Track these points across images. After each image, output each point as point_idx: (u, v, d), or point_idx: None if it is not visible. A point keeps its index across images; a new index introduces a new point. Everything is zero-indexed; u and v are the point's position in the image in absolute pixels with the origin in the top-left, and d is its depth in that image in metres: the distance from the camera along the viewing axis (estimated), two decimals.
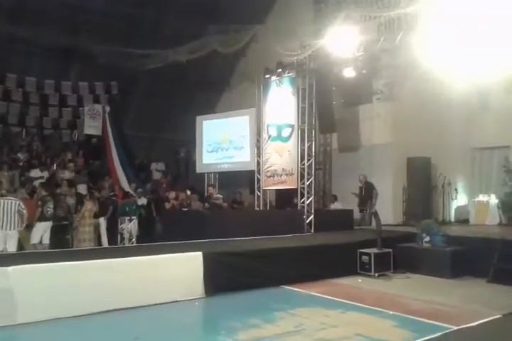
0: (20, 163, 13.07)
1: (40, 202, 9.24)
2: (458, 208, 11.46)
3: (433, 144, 10.95)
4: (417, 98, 10.87)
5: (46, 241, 9.04)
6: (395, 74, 11.13)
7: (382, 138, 11.41)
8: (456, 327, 4.08)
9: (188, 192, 12.72)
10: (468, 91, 10.23)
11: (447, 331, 3.77)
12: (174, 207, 11.81)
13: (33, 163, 13.24)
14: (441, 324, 4.75)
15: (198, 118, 13.98)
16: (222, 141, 13.37)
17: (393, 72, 11.12)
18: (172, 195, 12.09)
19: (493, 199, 10.67)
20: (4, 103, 14.51)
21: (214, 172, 13.77)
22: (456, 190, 11.42)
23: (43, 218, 9.08)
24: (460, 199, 11.53)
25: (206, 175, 13.83)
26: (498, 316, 4.32)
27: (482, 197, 10.89)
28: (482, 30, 8.46)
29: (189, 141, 14.71)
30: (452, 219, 11.37)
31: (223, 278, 6.19)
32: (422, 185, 11.25)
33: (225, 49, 10.94)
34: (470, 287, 6.81)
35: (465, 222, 10.98)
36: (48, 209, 9.08)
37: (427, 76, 9.90)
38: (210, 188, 12.71)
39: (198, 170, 14.14)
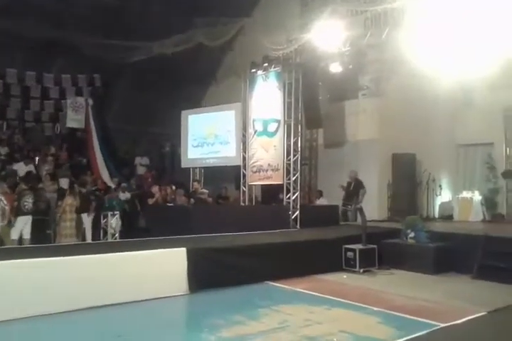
0: (1, 157, 12.77)
1: (16, 196, 9.01)
2: (442, 204, 11.55)
3: (418, 140, 10.99)
4: (402, 94, 10.87)
5: (27, 236, 8.83)
6: (381, 69, 11.12)
7: (367, 133, 11.40)
8: (440, 324, 4.06)
9: (173, 187, 12.59)
10: (453, 88, 10.27)
11: (433, 329, 3.74)
12: (158, 202, 11.66)
13: (14, 157, 12.96)
14: (425, 320, 4.74)
15: (184, 112, 13.82)
16: (207, 136, 13.25)
17: (379, 68, 11.11)
18: (155, 188, 11.91)
19: (477, 196, 10.77)
20: None
21: (199, 167, 13.66)
22: (440, 186, 11.51)
23: (20, 212, 8.87)
24: (444, 196, 11.63)
25: (192, 170, 13.71)
26: (484, 313, 4.30)
27: (466, 194, 10.99)
28: (468, 27, 8.46)
29: (174, 136, 14.54)
30: (436, 215, 11.46)
31: (207, 274, 6.11)
32: (407, 181, 11.31)
33: (211, 42, 10.78)
34: (454, 283, 6.85)
35: (449, 218, 11.08)
36: (26, 203, 8.85)
37: (413, 72, 9.88)
38: (195, 183, 12.59)
39: (183, 164, 14.01)
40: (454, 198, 11.41)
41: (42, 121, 15.21)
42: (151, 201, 11.55)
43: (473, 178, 11.47)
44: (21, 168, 11.99)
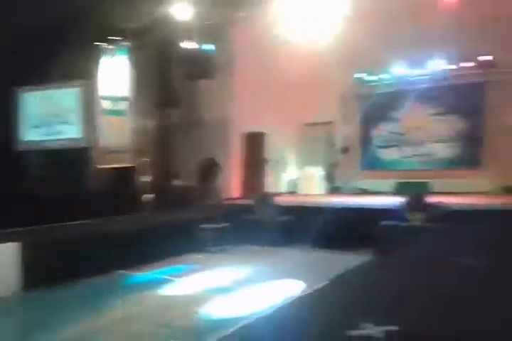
0: None
1: None
2: (289, 181, 12.31)
3: (268, 120, 11.33)
4: (254, 74, 10.97)
5: None
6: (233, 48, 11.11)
7: (220, 113, 11.41)
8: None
9: None
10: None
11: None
12: None
13: None
14: None
15: (18, 90, 12.23)
16: (47, 115, 11.98)
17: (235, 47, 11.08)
18: None
19: (320, 171, 11.72)
20: None
21: (41, 150, 12.31)
22: (286, 163, 12.24)
23: None
24: (291, 172, 12.39)
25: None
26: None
27: (309, 170, 11.87)
28: None
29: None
30: (284, 190, 12.15)
31: (44, 269, 5.53)
32: (258, 159, 11.72)
33: None
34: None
35: (295, 192, 11.86)
36: None
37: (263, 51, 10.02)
38: None
39: (22, 147, 12.50)
40: (300, 174, 12.20)
41: None
42: None
43: (316, 155, 12.32)
44: None
